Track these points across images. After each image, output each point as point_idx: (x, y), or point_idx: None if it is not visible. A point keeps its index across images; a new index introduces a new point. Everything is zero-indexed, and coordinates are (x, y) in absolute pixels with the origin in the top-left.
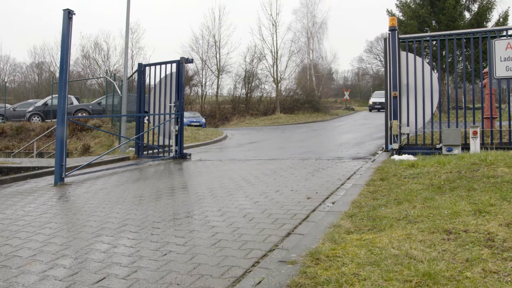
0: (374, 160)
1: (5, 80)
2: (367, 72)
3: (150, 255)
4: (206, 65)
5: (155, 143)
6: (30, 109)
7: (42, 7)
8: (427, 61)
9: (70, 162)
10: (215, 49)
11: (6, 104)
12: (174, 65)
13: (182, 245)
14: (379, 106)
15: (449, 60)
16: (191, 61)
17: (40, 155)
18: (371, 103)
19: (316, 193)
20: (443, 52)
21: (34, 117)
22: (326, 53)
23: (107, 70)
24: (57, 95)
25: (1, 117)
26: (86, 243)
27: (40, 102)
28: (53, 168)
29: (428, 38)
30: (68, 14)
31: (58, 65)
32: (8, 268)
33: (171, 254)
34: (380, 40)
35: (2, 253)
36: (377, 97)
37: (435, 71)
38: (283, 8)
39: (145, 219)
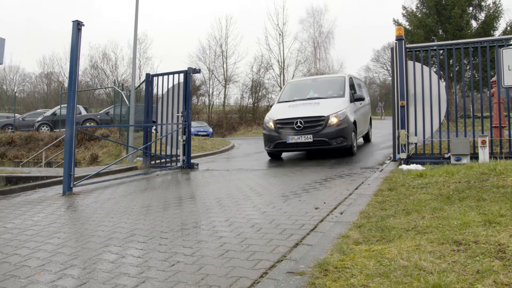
0: (382, 170)
1: (15, 90)
2: (374, 81)
3: (158, 266)
4: (213, 75)
5: (163, 153)
6: (39, 119)
7: (52, 18)
8: (435, 70)
9: (78, 171)
10: (222, 59)
11: (16, 114)
12: (181, 75)
13: (190, 256)
14: (307, 135)
15: (456, 69)
16: (198, 71)
17: (49, 164)
18: (271, 123)
19: (324, 203)
20: (450, 61)
21: (43, 126)
22: (333, 62)
23: (115, 80)
24: (65, 105)
25: (10, 127)
26: (95, 253)
27: (49, 112)
28: (62, 178)
29: (435, 48)
30: (78, 25)
31: (67, 75)
32: (17, 278)
33: (179, 265)
34: (387, 49)
35: (11, 262)
36: (293, 108)
37: (443, 80)
38: (289, 18)
39: (153, 229)
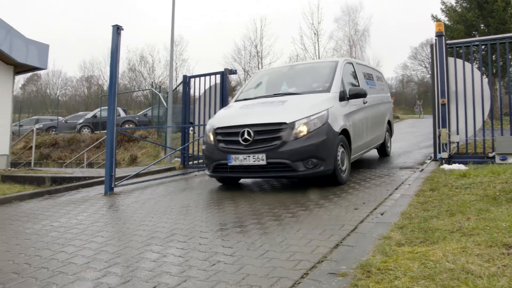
0: (423, 169)
1: (58, 94)
2: (411, 79)
3: (198, 265)
4: (248, 76)
5: (200, 153)
6: (80, 121)
7: (91, 24)
8: (477, 66)
9: (119, 172)
10: (257, 59)
11: (59, 117)
12: (218, 76)
13: (230, 255)
14: (258, 154)
15: (500, 64)
16: (234, 72)
17: (90, 165)
18: (210, 134)
19: (364, 203)
20: (494, 57)
21: (84, 128)
22: (369, 60)
23: (152, 82)
24: (105, 107)
25: (54, 129)
26: (137, 252)
27: (90, 114)
28: (103, 178)
29: (477, 43)
30: (117, 30)
31: (106, 78)
32: (65, 274)
33: (220, 264)
34: (424, 46)
35: (58, 259)
36: (245, 110)
37: (485, 76)
38: (324, 17)
39: (193, 229)
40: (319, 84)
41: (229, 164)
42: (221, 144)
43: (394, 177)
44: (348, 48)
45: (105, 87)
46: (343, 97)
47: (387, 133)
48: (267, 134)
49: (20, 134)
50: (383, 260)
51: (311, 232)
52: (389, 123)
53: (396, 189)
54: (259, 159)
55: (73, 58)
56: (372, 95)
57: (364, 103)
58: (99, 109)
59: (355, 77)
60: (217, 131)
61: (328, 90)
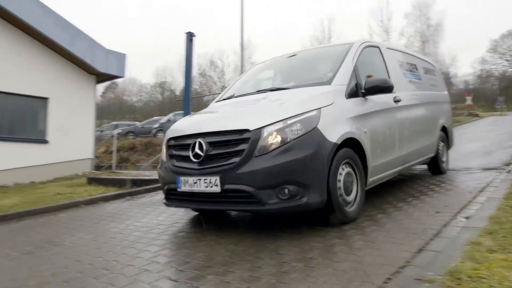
0: (510, 171)
1: (134, 100)
2: (491, 74)
3: (270, 268)
4: None
5: None
6: (156, 125)
7: (164, 33)
8: None
9: None
10: None
11: (135, 122)
12: None
13: (308, 258)
14: (210, 177)
15: None
16: None
17: None
18: (163, 146)
19: (446, 206)
20: None
21: (159, 132)
22: (443, 56)
23: (222, 86)
24: (179, 112)
25: (131, 134)
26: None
27: (164, 119)
28: None
29: None
30: (190, 36)
31: (178, 83)
32: (150, 272)
33: (298, 266)
34: (506, 37)
35: (143, 257)
36: (209, 114)
37: None
38: (394, 13)
39: (264, 231)
40: (320, 75)
41: (178, 189)
42: (172, 161)
43: (478, 178)
44: (421, 44)
45: (177, 92)
46: (355, 93)
47: (441, 144)
48: (224, 147)
49: (101, 139)
50: (474, 267)
51: (392, 236)
52: (444, 130)
53: (481, 191)
54: (212, 183)
55: (147, 66)
56: (413, 91)
57: (396, 101)
58: (173, 114)
59: (384, 66)
60: (169, 143)
61: (328, 82)
